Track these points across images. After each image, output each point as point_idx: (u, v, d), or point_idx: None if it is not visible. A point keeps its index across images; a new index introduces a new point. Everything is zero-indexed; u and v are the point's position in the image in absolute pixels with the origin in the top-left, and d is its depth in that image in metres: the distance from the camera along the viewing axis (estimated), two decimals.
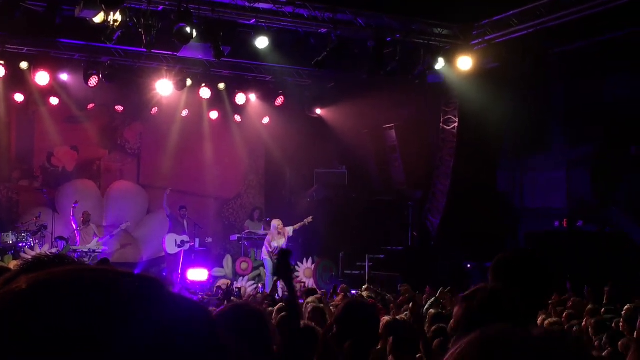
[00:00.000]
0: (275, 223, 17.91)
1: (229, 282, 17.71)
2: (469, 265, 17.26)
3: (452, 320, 3.01)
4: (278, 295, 12.22)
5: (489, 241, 17.66)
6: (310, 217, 18.39)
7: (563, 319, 8.77)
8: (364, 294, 13.19)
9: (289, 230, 18.02)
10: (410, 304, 10.15)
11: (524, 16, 15.25)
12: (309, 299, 10.37)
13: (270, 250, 17.67)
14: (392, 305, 10.94)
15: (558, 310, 9.96)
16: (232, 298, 13.44)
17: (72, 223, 17.99)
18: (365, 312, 4.33)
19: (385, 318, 5.96)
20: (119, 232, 18.73)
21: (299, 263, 19.15)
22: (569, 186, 17.70)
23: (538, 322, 5.90)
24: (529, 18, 15.12)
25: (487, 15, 15.98)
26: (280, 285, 13.36)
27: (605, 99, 17.17)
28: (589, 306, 9.58)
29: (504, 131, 18.85)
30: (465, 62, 16.46)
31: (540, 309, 3.53)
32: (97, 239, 17.87)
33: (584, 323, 8.38)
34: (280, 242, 17.60)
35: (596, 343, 7.23)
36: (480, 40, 16.48)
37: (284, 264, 5.05)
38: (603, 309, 9.16)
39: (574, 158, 17.62)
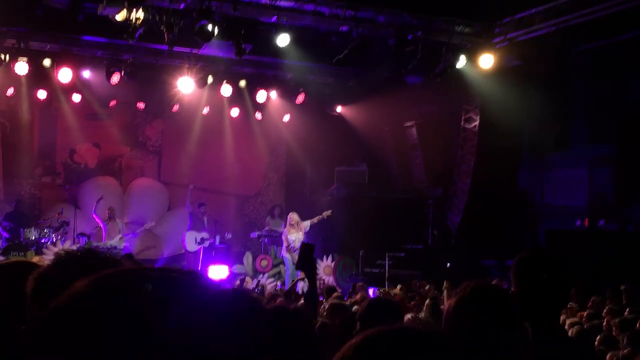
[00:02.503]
0: (291, 216, 17.88)
1: (243, 278, 17.74)
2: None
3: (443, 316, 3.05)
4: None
5: (510, 239, 17.62)
6: (329, 211, 18.33)
7: (584, 319, 8.73)
8: (396, 291, 13.26)
9: (306, 224, 17.98)
10: (429, 301, 10.15)
11: (547, 14, 15.16)
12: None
13: (286, 244, 17.67)
14: (413, 302, 10.94)
15: (577, 308, 9.93)
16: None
17: (95, 218, 18.07)
18: (388, 310, 4.34)
19: (407, 316, 5.97)
20: (142, 231, 18.84)
21: (318, 260, 19.16)
22: (590, 184, 17.60)
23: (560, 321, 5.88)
24: (552, 16, 15.03)
25: (509, 13, 15.90)
26: (300, 285, 13.40)
27: (627, 98, 17.06)
28: (609, 306, 9.53)
29: (525, 129, 18.78)
30: (487, 61, 16.38)
31: (562, 309, 3.52)
32: (120, 235, 17.96)
33: (604, 323, 8.35)
34: (297, 236, 17.57)
35: (621, 342, 7.19)
36: (502, 38, 16.40)
37: (307, 257, 5.07)
38: (627, 310, 9.10)
39: (595, 156, 17.53)
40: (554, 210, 18.40)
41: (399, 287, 14.14)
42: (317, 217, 18.16)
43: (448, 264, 17.89)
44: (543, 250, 3.07)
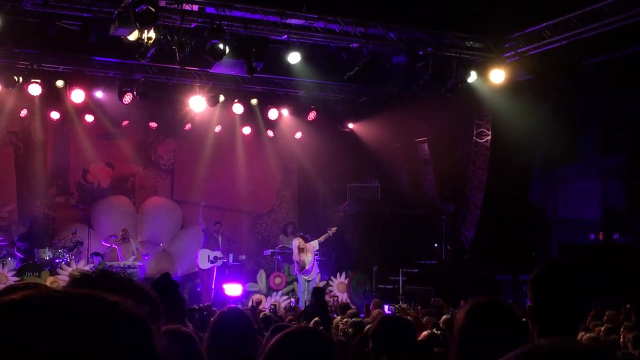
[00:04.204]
0: (296, 242, 17.91)
1: (259, 300, 17.71)
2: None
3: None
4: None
5: (523, 253, 17.53)
6: (335, 228, 18.33)
7: (601, 334, 8.67)
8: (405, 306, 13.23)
9: (314, 244, 17.99)
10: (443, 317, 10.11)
11: (557, 28, 15.15)
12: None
13: (299, 268, 17.71)
14: (426, 318, 10.87)
15: (595, 324, 9.85)
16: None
17: (104, 244, 18.12)
18: (400, 328, 4.32)
19: (423, 333, 5.94)
20: (155, 253, 18.90)
21: (332, 277, 19.13)
22: (603, 196, 17.51)
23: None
24: (562, 30, 15.02)
25: (519, 27, 15.90)
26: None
27: (638, 109, 17.01)
28: (626, 322, 9.44)
29: (536, 143, 18.72)
30: (497, 75, 16.38)
31: (578, 324, 3.49)
32: (133, 256, 17.97)
33: (621, 338, 8.28)
34: (307, 259, 17.61)
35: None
36: (512, 52, 16.39)
37: (319, 301, 5.08)
38: None
39: (607, 168, 17.45)
40: (566, 223, 18.32)
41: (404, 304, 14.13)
42: (323, 237, 18.16)
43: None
44: (557, 264, 3.05)
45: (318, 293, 4.52)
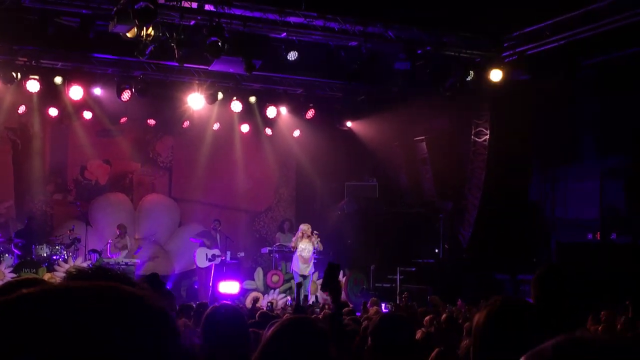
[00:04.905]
0: (304, 227, 17.81)
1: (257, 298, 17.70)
2: None
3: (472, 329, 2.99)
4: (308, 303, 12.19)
5: (522, 253, 17.53)
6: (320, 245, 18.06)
7: (599, 333, 8.66)
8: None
9: (315, 242, 17.86)
10: (443, 316, 10.10)
11: (556, 28, 15.14)
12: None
13: (293, 247, 17.57)
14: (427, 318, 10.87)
15: (591, 324, 9.85)
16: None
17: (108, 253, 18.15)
18: (400, 325, 4.32)
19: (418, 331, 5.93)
20: (148, 246, 18.90)
21: None
22: (602, 196, 17.51)
23: None
24: (561, 29, 15.01)
25: (518, 27, 15.89)
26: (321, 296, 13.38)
27: (638, 109, 17.00)
28: (622, 319, 9.45)
29: (535, 142, 18.73)
30: (496, 74, 16.37)
31: (578, 323, 3.49)
32: (126, 251, 17.97)
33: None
34: (306, 246, 17.50)
35: None
36: (511, 52, 16.39)
37: (331, 277, 5.09)
38: None
39: (606, 168, 17.45)
40: (565, 223, 18.32)
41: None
42: (318, 244, 17.89)
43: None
44: (557, 265, 3.06)
45: (333, 268, 4.43)
